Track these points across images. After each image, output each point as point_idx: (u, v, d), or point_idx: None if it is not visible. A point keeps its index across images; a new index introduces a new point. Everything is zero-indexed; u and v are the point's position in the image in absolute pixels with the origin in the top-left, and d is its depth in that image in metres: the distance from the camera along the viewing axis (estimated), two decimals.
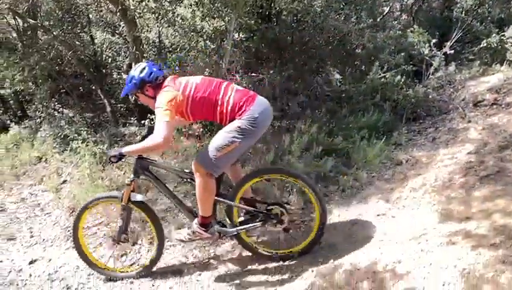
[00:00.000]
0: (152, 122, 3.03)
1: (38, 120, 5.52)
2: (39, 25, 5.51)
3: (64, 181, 4.41)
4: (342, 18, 5.85)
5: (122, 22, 6.05)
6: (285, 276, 2.88)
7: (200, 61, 4.78)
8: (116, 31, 6.43)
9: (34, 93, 5.78)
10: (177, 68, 5.02)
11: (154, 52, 6.49)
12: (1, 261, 3.37)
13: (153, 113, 3.63)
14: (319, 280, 2.74)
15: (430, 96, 5.16)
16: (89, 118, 5.73)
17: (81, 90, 6.34)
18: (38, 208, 4.09)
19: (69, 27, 5.98)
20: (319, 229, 2.92)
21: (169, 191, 2.98)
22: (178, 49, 6.19)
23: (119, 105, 6.10)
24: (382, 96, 5.06)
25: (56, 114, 5.89)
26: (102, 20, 6.12)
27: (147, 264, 3.02)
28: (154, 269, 3.04)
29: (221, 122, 2.69)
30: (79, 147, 4.52)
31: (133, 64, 5.29)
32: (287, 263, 2.98)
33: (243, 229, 2.89)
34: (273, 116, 2.85)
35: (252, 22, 4.99)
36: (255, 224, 2.87)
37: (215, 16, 5.00)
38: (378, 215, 3.37)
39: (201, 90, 2.63)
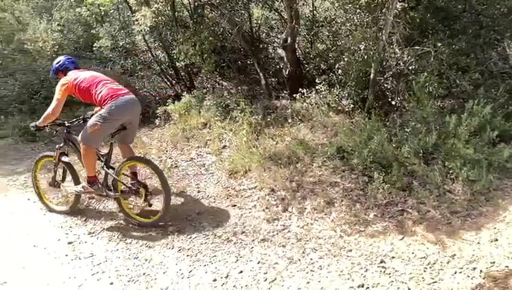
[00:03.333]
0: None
1: (204, 90, 6.20)
2: (208, 3, 6.07)
3: (224, 146, 4.90)
4: None
5: None
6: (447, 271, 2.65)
7: (359, 34, 4.57)
8: (273, 7, 6.64)
9: (201, 66, 6.48)
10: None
11: (306, 26, 6.53)
12: (175, 209, 3.96)
13: None
14: (489, 283, 2.43)
15: None
16: (244, 90, 6.16)
17: (239, 64, 6.83)
18: (204, 168, 4.64)
19: (231, 5, 6.45)
20: (166, 203, 3.55)
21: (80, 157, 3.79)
22: (332, 22, 6.09)
23: (272, 79, 6.37)
24: None
25: (217, 85, 6.53)
26: None
27: (70, 205, 4.02)
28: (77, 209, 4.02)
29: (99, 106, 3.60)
30: (238, 116, 4.93)
31: (289, 38, 5.42)
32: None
33: (118, 195, 3.69)
34: (138, 109, 3.73)
35: None
36: (125, 195, 3.71)
37: None
38: None
39: (85, 83, 3.60)
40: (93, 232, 3.64)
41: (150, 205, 3.72)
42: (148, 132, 5.98)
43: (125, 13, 7.41)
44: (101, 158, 3.78)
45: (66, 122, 3.90)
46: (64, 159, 3.96)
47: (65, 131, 3.92)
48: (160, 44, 7.04)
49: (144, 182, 3.83)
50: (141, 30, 5.93)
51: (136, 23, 5.80)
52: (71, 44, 7.86)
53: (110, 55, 7.02)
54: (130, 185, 3.72)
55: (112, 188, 3.72)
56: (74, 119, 4.01)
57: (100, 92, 3.54)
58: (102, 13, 7.46)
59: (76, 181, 3.91)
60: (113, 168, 3.78)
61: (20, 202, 4.28)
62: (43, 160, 4.16)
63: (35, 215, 4.03)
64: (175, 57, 6.26)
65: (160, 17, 6.08)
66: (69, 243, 3.47)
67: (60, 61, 3.89)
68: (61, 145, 3.95)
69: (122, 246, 3.40)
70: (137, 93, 6.82)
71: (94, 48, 6.97)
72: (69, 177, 4.01)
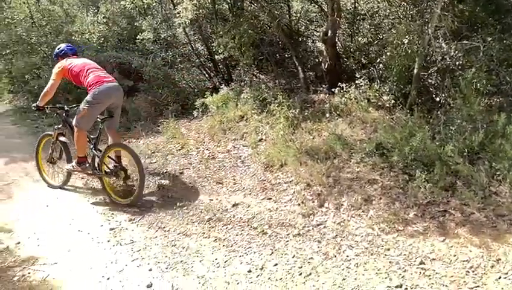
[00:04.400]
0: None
1: (242, 83, 6.23)
2: None
3: (261, 139, 4.92)
4: None
5: None
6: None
7: (403, 27, 4.42)
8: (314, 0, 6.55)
9: (239, 59, 6.51)
10: None
11: (347, 19, 6.39)
12: (211, 200, 4.04)
13: None
14: None
15: None
16: (282, 83, 6.13)
17: (277, 57, 6.79)
18: (240, 160, 4.70)
19: None
20: (140, 187, 3.96)
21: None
22: (375, 15, 5.93)
23: (309, 73, 6.30)
24: None
25: (254, 79, 6.54)
26: None
27: (63, 181, 4.55)
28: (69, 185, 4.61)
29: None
30: (275, 109, 4.93)
31: (329, 31, 5.33)
32: None
33: (102, 175, 4.14)
34: (120, 94, 4.23)
35: None
36: (107, 175, 4.15)
37: None
38: None
39: (76, 68, 4.13)
40: (134, 220, 3.78)
41: (128, 187, 4.26)
42: (186, 123, 6.11)
43: (167, 6, 7.58)
44: (91, 141, 4.26)
45: (65, 106, 4.47)
46: (62, 138, 4.46)
47: (64, 114, 4.44)
48: (200, 37, 7.14)
49: (125, 166, 4.25)
50: (182, 23, 6.04)
51: (177, 16, 5.92)
52: (115, 36, 8.12)
53: (152, 47, 7.20)
54: (112, 168, 4.18)
55: (98, 168, 4.17)
56: (74, 105, 4.48)
57: (87, 78, 4.03)
58: (145, 6, 7.66)
59: (69, 160, 4.41)
60: (100, 151, 4.23)
61: (65, 188, 4.53)
62: (45, 138, 4.70)
63: (79, 201, 4.26)
64: (214, 49, 6.34)
65: (200, 10, 6.16)
66: (111, 229, 3.62)
67: (60, 47, 4.45)
68: (60, 126, 4.49)
69: (160, 233, 3.51)
70: (177, 85, 6.99)
71: (137, 40, 7.18)
72: None
